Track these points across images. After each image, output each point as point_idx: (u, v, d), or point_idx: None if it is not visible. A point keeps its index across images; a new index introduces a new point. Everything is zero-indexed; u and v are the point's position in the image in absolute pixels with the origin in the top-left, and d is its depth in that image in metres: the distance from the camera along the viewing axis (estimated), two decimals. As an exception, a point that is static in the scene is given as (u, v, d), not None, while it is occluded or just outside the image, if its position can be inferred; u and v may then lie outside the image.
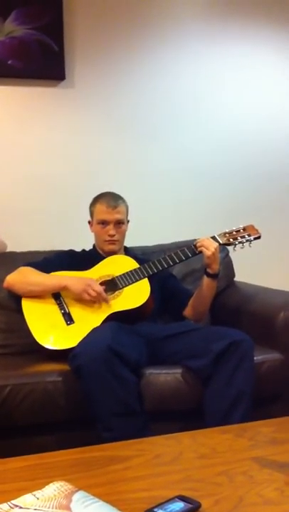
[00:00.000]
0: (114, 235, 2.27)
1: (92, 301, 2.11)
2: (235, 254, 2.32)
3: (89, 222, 2.36)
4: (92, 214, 2.34)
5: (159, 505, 1.00)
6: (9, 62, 2.61)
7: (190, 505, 1.01)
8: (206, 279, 2.17)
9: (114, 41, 2.81)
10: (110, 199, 2.28)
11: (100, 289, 2.10)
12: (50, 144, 2.77)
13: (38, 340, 2.07)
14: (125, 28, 2.82)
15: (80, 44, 2.76)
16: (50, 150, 2.77)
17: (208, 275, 2.16)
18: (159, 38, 2.88)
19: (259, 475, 1.16)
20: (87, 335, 1.88)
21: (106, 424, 1.77)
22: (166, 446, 1.35)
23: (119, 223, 2.28)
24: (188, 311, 2.30)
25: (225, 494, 1.08)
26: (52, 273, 2.21)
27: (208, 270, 2.15)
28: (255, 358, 1.93)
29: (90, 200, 2.36)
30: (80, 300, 2.13)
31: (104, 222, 2.27)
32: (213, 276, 2.16)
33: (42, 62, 2.65)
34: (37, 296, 2.18)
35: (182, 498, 1.02)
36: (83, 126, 2.81)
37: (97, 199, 2.32)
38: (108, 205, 2.26)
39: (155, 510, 0.98)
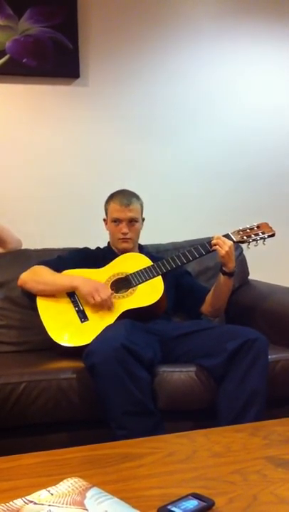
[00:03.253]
0: (127, 233, 2.27)
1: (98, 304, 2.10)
2: (250, 252, 2.31)
3: (104, 220, 2.37)
4: (106, 212, 2.34)
5: (173, 502, 0.99)
6: (24, 60, 2.62)
7: (204, 503, 1.00)
8: (222, 277, 2.16)
9: (129, 39, 2.81)
10: (124, 197, 2.28)
11: (108, 294, 2.08)
12: (64, 142, 2.78)
13: (52, 337, 2.08)
14: (140, 26, 2.82)
15: (95, 42, 2.76)
16: (63, 148, 2.78)
17: (224, 273, 2.15)
18: (173, 37, 2.87)
19: (273, 474, 1.15)
20: (101, 332, 1.89)
21: (119, 422, 1.77)
22: (180, 445, 1.35)
23: (133, 221, 2.28)
24: (205, 308, 2.29)
25: (239, 493, 1.07)
26: (66, 271, 2.22)
27: (224, 268, 2.14)
28: (269, 357, 1.91)
29: (104, 198, 2.36)
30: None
31: (117, 220, 2.27)
32: (229, 275, 2.15)
33: (56, 60, 2.66)
34: (50, 294, 2.19)
35: (196, 496, 1.02)
36: (97, 124, 2.81)
37: (111, 197, 2.33)
38: (121, 204, 2.26)
39: (169, 507, 0.98)
